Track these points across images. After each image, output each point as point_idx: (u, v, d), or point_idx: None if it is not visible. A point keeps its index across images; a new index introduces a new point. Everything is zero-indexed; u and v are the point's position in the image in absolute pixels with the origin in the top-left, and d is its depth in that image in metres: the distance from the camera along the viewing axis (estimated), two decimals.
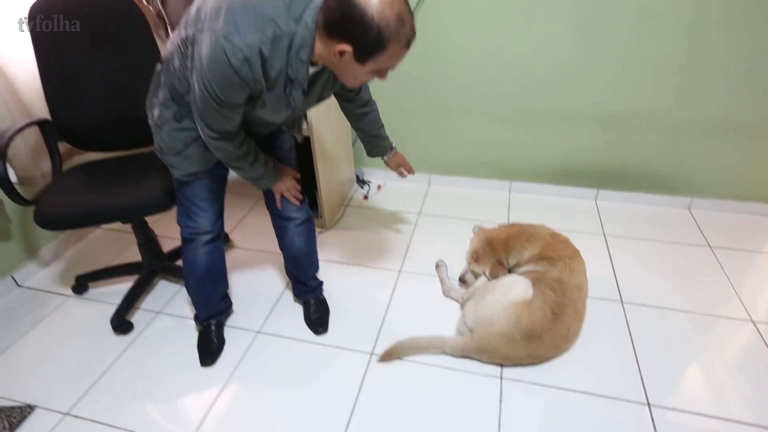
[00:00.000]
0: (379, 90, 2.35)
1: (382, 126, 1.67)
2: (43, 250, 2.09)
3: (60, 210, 1.48)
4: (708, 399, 1.40)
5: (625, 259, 1.98)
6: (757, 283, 1.83)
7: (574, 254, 1.68)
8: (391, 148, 1.76)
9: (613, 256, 2.01)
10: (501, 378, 1.49)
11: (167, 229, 2.29)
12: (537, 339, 1.46)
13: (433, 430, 1.35)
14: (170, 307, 1.83)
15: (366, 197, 2.53)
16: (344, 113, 1.59)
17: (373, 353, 1.60)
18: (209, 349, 1.61)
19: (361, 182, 2.63)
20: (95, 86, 1.68)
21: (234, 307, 1.80)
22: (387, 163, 1.81)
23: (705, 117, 2.07)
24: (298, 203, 1.51)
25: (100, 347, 1.67)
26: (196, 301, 1.62)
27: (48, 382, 1.55)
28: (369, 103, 1.55)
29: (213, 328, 1.65)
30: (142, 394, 1.49)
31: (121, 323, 1.70)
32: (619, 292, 1.81)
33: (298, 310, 1.78)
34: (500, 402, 1.42)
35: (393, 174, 2.58)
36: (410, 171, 1.86)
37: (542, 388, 1.46)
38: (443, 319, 1.71)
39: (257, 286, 1.92)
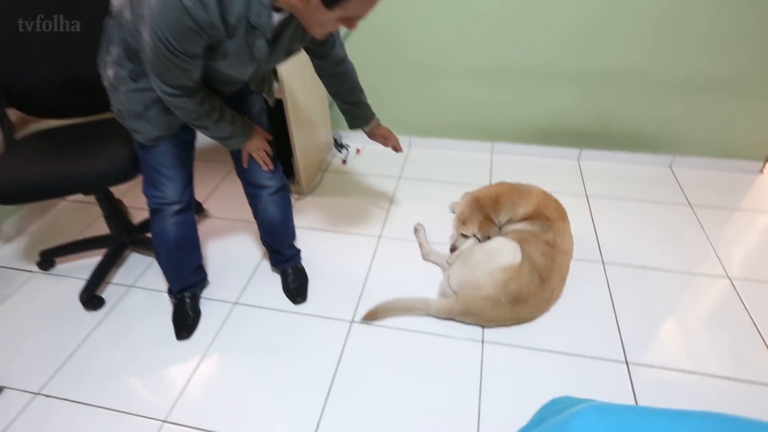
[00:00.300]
0: (352, 49, 2.23)
1: (362, 91, 1.54)
2: (4, 224, 1.98)
3: (11, 182, 1.38)
4: (684, 355, 1.42)
5: (607, 220, 1.97)
6: (734, 240, 1.85)
7: (564, 216, 1.67)
8: (373, 118, 1.62)
9: (595, 216, 1.99)
10: (482, 342, 1.49)
11: (138, 200, 2.19)
12: (523, 303, 1.45)
13: (415, 394, 1.35)
14: (143, 281, 1.77)
15: (344, 162, 2.45)
16: (319, 76, 1.47)
17: (353, 321, 1.57)
18: (185, 322, 1.56)
19: (339, 146, 2.54)
20: (41, 46, 1.54)
21: (210, 278, 1.75)
22: (369, 135, 1.65)
23: (689, 73, 2.01)
24: (266, 167, 1.43)
25: (71, 324, 1.61)
26: (168, 274, 1.56)
27: (17, 362, 1.49)
28: (344, 61, 1.44)
29: (188, 300, 1.59)
30: (116, 371, 1.45)
31: (91, 299, 1.63)
32: (601, 252, 1.80)
33: (276, 279, 1.74)
34: (481, 365, 1.42)
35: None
36: (397, 147, 1.68)
37: (523, 350, 1.46)
38: (424, 283, 1.69)
39: (233, 256, 1.86)
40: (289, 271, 1.70)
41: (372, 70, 2.30)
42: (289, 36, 1.10)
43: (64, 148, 1.55)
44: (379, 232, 1.96)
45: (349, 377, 1.40)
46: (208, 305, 1.65)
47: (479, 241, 1.68)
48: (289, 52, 1.17)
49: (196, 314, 1.60)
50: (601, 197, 2.11)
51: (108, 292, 1.73)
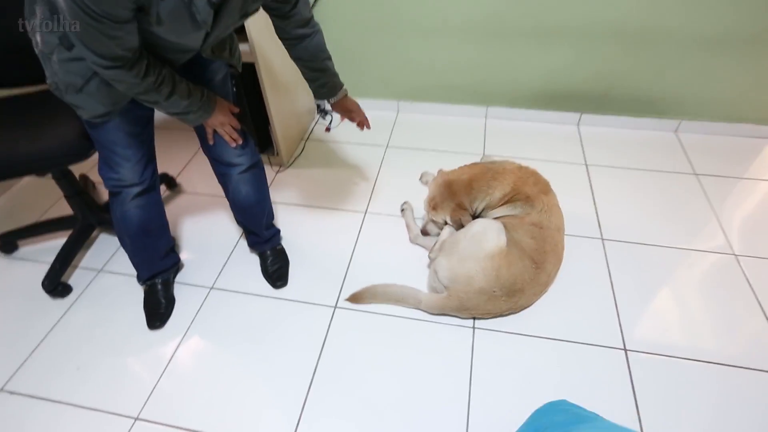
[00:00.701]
0: (334, 5, 2.02)
1: (330, 58, 1.36)
2: None
3: None
4: (686, 340, 1.35)
5: (607, 191, 1.85)
6: (740, 213, 1.74)
7: (547, 188, 1.54)
8: (341, 88, 1.45)
9: (595, 187, 1.87)
10: (473, 328, 1.41)
11: None
12: (519, 292, 1.35)
13: (402, 382, 1.28)
14: (113, 264, 1.66)
15: (328, 129, 2.26)
16: (280, 38, 1.28)
17: (336, 306, 1.48)
18: (156, 311, 1.46)
19: (323, 112, 2.35)
20: None
21: (184, 260, 1.64)
22: (334, 107, 1.50)
23: (698, 31, 1.83)
24: (234, 144, 1.28)
25: (36, 313, 1.50)
26: (134, 261, 1.45)
27: None
28: (309, 22, 1.25)
29: (159, 287, 1.49)
30: (85, 364, 1.37)
31: (56, 286, 1.52)
32: (600, 228, 1.70)
33: (255, 261, 1.63)
34: (472, 352, 1.35)
35: (359, 100, 2.33)
36: (363, 123, 1.54)
37: (516, 336, 1.38)
38: (413, 266, 1.59)
39: (209, 235, 1.74)
40: (268, 252, 1.59)
41: (356, 29, 2.10)
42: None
43: (6, 123, 1.38)
44: (365, 207, 1.84)
45: (332, 365, 1.33)
46: (182, 290, 1.55)
47: (453, 228, 1.55)
48: (245, 14, 1.00)
49: (170, 301, 1.50)
50: (601, 166, 1.98)
51: (75, 277, 1.61)
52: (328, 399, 1.26)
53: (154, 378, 1.32)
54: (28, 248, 1.74)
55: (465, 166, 1.63)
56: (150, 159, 1.30)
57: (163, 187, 1.95)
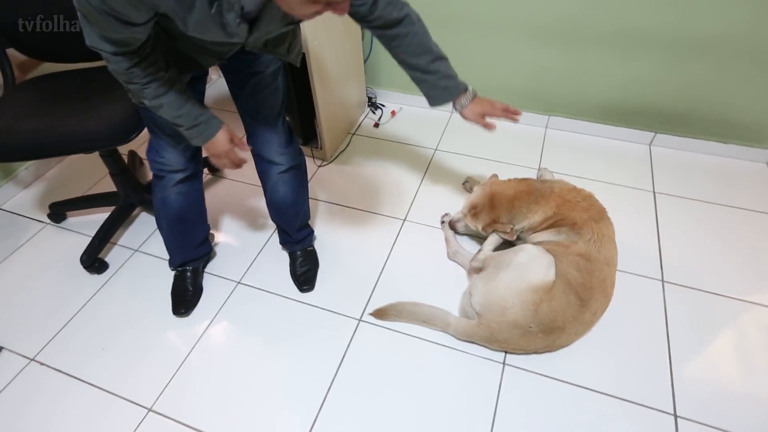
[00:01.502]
0: None
1: (440, 57, 1.17)
2: (21, 170, 1.93)
3: None
4: (749, 416, 1.17)
5: (676, 226, 1.65)
6: None
7: (601, 215, 1.38)
8: (465, 91, 1.24)
9: (661, 219, 1.67)
10: (503, 364, 1.29)
11: None
12: (558, 330, 1.22)
13: (421, 410, 1.20)
14: (149, 245, 1.67)
15: (377, 125, 2.19)
16: (376, 37, 1.16)
17: (361, 320, 1.41)
18: (183, 298, 1.46)
19: (374, 106, 2.28)
20: None
21: (216, 249, 1.63)
22: (462, 115, 1.28)
23: None
24: (234, 168, 1.18)
25: (73, 286, 1.55)
26: (168, 246, 1.45)
27: (17, 321, 1.46)
28: (402, 22, 1.10)
29: (188, 274, 1.49)
30: (110, 345, 1.39)
31: (93, 262, 1.55)
32: (662, 267, 1.51)
33: (285, 260, 1.59)
34: (499, 390, 1.24)
35: (413, 97, 2.23)
36: (508, 114, 1.29)
37: (550, 380, 1.26)
38: (447, 284, 1.49)
39: (243, 227, 1.72)
40: (298, 253, 1.54)
41: None
42: (275, 10, 0.84)
43: (59, 99, 1.40)
44: (405, 214, 1.74)
45: (350, 380, 1.27)
46: (210, 281, 1.54)
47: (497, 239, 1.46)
48: (290, 22, 0.92)
49: (197, 290, 1.49)
50: (672, 195, 1.76)
51: (113, 254, 1.65)
52: (342, 415, 1.20)
53: (172, 370, 1.32)
54: (75, 219, 1.79)
55: (515, 180, 1.50)
56: (196, 147, 1.26)
57: (205, 171, 1.95)
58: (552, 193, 1.40)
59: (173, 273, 1.52)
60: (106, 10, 0.73)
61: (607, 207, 1.41)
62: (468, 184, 1.81)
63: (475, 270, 1.43)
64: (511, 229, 1.42)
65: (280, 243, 1.59)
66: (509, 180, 1.51)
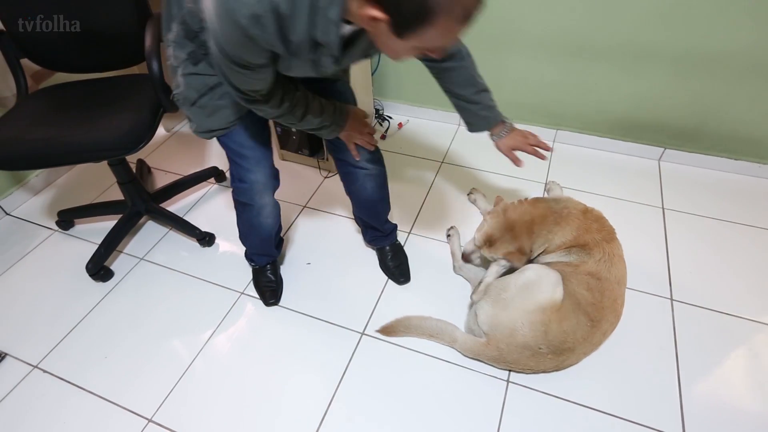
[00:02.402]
0: None
1: (484, 89, 1.22)
2: (32, 177, 1.95)
3: (8, 147, 1.27)
4: None
5: (685, 243, 1.62)
6: None
7: (611, 236, 1.35)
8: (502, 123, 1.29)
9: (671, 236, 1.65)
10: (508, 382, 1.27)
11: (163, 161, 2.09)
12: (568, 351, 1.20)
13: (422, 426, 1.18)
14: (154, 254, 1.68)
15: (384, 136, 2.20)
16: (426, 67, 1.19)
17: (363, 333, 1.40)
18: (269, 288, 1.50)
19: (381, 117, 2.28)
20: None
21: (221, 254, 1.66)
22: (497, 146, 1.34)
23: None
24: (371, 148, 1.22)
25: (77, 294, 1.55)
26: (255, 252, 1.48)
27: (22, 327, 1.47)
28: (456, 56, 1.13)
29: (268, 267, 1.52)
30: (112, 353, 1.39)
31: (99, 270, 1.56)
32: (670, 285, 1.49)
33: (292, 272, 1.58)
34: (502, 408, 1.22)
35: (421, 109, 2.23)
36: (533, 152, 1.32)
37: (555, 399, 1.23)
38: (453, 298, 1.47)
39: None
40: (387, 248, 1.56)
41: None
42: (363, 45, 0.89)
43: (70, 109, 1.42)
44: (409, 227, 1.73)
45: (351, 395, 1.26)
46: (213, 290, 1.54)
47: (499, 268, 1.40)
48: (366, 55, 0.95)
49: (279, 279, 1.53)
50: (681, 212, 1.74)
51: (119, 262, 1.65)
52: (343, 429, 1.19)
53: (174, 379, 1.31)
54: (82, 227, 1.80)
55: (526, 201, 1.44)
56: (271, 155, 1.26)
57: (211, 180, 1.96)
58: (570, 216, 1.35)
59: (251, 267, 1.55)
60: (243, 64, 0.81)
61: (614, 223, 1.39)
62: (472, 196, 1.80)
63: (481, 295, 1.38)
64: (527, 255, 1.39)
65: (367, 241, 1.62)
66: (521, 202, 1.42)
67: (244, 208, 1.29)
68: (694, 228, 1.68)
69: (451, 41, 0.73)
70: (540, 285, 1.23)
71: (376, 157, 1.32)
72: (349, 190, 1.42)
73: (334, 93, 1.20)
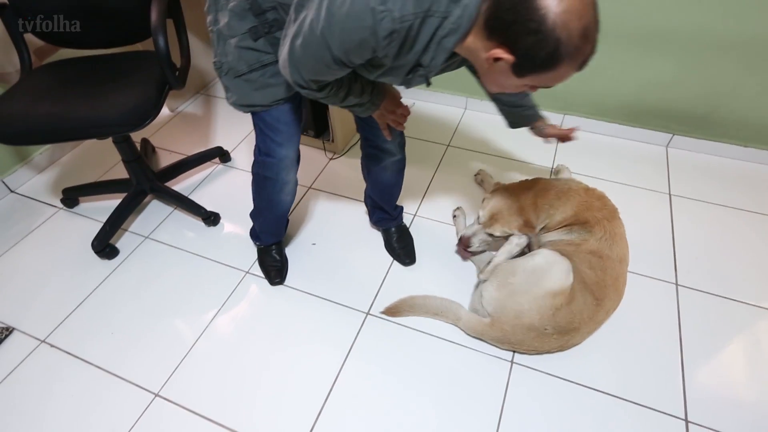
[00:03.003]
0: None
1: (526, 95, 1.28)
2: (36, 154, 1.94)
3: (12, 122, 1.27)
4: (763, 425, 1.15)
5: (691, 229, 1.62)
6: None
7: (613, 215, 1.36)
8: (540, 118, 1.35)
9: (677, 222, 1.64)
10: (511, 362, 1.28)
11: (166, 141, 2.08)
12: (573, 331, 1.21)
13: (425, 405, 1.19)
14: (159, 233, 1.68)
15: None
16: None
17: (368, 313, 1.41)
18: (274, 267, 1.51)
19: None
20: None
21: (226, 234, 1.66)
22: (537, 134, 1.40)
23: None
24: (401, 128, 1.22)
25: (83, 270, 1.56)
26: (264, 230, 1.48)
27: (29, 303, 1.47)
28: None
29: (273, 246, 1.53)
30: (119, 329, 1.40)
31: (104, 247, 1.56)
32: (676, 271, 1.49)
33: (298, 254, 1.59)
34: (506, 389, 1.23)
35: (426, 93, 2.21)
36: (565, 136, 1.36)
37: (558, 380, 1.24)
38: (458, 278, 1.48)
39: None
40: (393, 230, 1.57)
41: None
42: (450, 69, 0.94)
43: (75, 85, 1.41)
44: (415, 209, 1.73)
45: (355, 374, 1.27)
46: (218, 270, 1.54)
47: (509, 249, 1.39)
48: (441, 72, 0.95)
49: (284, 259, 1.54)
50: (688, 198, 1.73)
51: (124, 240, 1.66)
52: (347, 408, 1.20)
53: (179, 357, 1.32)
54: (87, 205, 1.80)
55: (525, 181, 1.47)
56: (297, 146, 1.26)
57: (216, 160, 1.95)
58: (570, 192, 1.37)
59: (256, 247, 1.56)
60: (341, 61, 0.79)
61: (621, 208, 1.38)
62: (479, 177, 1.79)
63: (486, 277, 1.38)
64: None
65: (374, 222, 1.63)
66: (519, 182, 1.46)
67: (266, 182, 1.28)
68: (700, 214, 1.67)
69: (559, 83, 0.76)
70: (550, 272, 1.23)
71: (401, 143, 1.34)
72: (368, 171, 1.42)
73: None
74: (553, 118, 2.07)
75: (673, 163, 1.88)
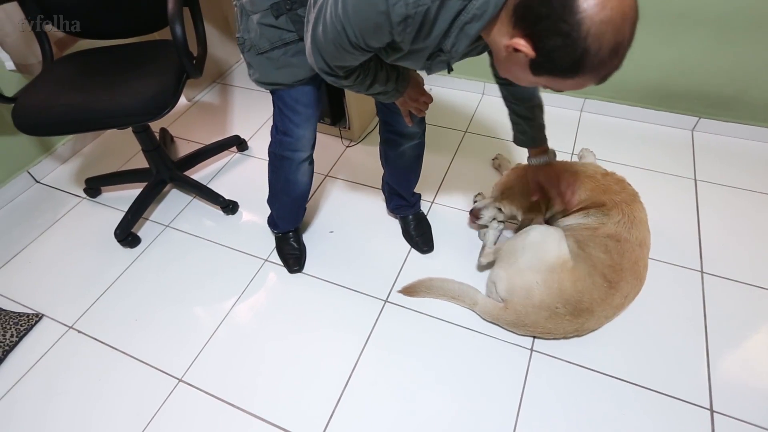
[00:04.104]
0: None
1: (539, 106, 1.20)
2: (59, 145, 1.98)
3: (35, 113, 1.29)
4: None
5: (718, 215, 1.57)
6: None
7: (633, 198, 1.33)
8: (544, 150, 1.29)
9: (702, 208, 1.60)
10: (531, 350, 1.27)
11: (185, 131, 2.10)
12: (587, 312, 1.19)
13: (444, 393, 1.20)
14: (179, 221, 1.70)
15: None
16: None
17: (387, 301, 1.41)
18: (293, 255, 1.52)
19: None
20: None
21: (242, 223, 1.67)
22: (527, 171, 1.35)
23: None
24: (421, 114, 1.21)
25: (107, 259, 1.59)
26: (280, 215, 1.49)
27: (57, 290, 1.52)
28: None
29: (291, 234, 1.54)
30: (143, 316, 1.43)
31: (126, 236, 1.59)
32: (701, 258, 1.45)
33: (315, 240, 1.59)
34: (526, 377, 1.22)
35: (444, 78, 2.18)
36: (564, 198, 1.33)
37: (579, 368, 1.23)
38: (476, 266, 1.47)
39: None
40: (410, 217, 1.57)
41: None
42: (473, 54, 0.89)
43: (95, 75, 1.42)
44: (432, 197, 1.72)
45: (375, 361, 1.28)
46: (237, 258, 1.56)
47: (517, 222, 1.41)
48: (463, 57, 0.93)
49: (302, 247, 1.55)
50: (714, 184, 1.68)
51: (145, 229, 1.68)
52: (366, 395, 1.21)
53: (201, 343, 1.35)
54: (109, 194, 1.84)
55: None
56: (314, 131, 1.26)
57: (234, 148, 1.96)
58: (586, 176, 1.36)
59: (275, 235, 1.57)
60: (359, 45, 0.78)
61: (644, 194, 1.35)
62: (497, 161, 1.77)
63: (486, 266, 1.41)
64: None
65: (391, 210, 1.62)
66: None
67: (282, 162, 1.28)
68: (727, 200, 1.62)
69: (570, 90, 0.72)
70: (545, 244, 1.24)
71: (422, 128, 1.31)
72: (387, 156, 1.40)
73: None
74: (572, 102, 2.02)
75: (699, 148, 1.83)
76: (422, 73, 0.99)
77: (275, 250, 1.56)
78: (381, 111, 1.29)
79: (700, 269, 1.42)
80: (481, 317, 1.33)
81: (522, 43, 0.65)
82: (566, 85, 0.70)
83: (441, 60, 0.82)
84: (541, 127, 1.25)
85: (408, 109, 1.14)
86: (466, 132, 1.99)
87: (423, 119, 1.31)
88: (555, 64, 0.65)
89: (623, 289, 1.22)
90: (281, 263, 1.53)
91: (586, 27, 0.59)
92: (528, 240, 1.29)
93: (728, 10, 1.56)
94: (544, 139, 1.28)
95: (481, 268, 1.45)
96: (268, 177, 1.37)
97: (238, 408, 1.21)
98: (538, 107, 1.21)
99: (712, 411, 1.13)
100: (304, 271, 1.51)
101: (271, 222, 1.53)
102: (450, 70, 0.86)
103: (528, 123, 1.23)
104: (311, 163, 1.32)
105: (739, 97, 1.76)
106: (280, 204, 1.44)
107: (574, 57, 0.63)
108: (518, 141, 1.30)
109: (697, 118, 1.87)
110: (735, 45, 1.63)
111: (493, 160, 1.80)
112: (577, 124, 1.98)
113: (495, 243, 1.48)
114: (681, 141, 1.87)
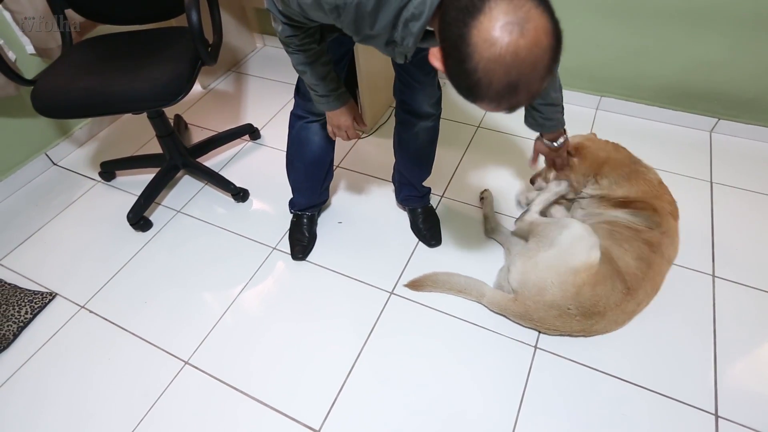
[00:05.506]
0: None
1: (551, 103, 1.18)
2: (76, 129, 2.01)
3: (53, 96, 1.31)
4: None
5: (732, 219, 1.54)
6: None
7: (677, 214, 1.33)
8: (561, 132, 1.28)
9: (717, 211, 1.57)
10: (535, 347, 1.27)
11: (199, 118, 2.11)
12: (598, 316, 1.18)
13: (446, 387, 1.20)
14: (191, 207, 1.73)
15: None
16: None
17: (392, 293, 1.42)
18: (300, 243, 1.52)
19: None
20: None
21: (253, 211, 1.68)
22: (536, 143, 1.34)
23: None
24: (347, 140, 1.23)
25: (120, 241, 1.62)
26: (296, 186, 1.49)
27: (70, 270, 1.55)
28: None
29: (305, 220, 1.55)
30: (152, 298, 1.45)
31: (138, 220, 1.62)
32: (713, 261, 1.43)
33: (325, 231, 1.60)
34: (528, 374, 1.22)
35: None
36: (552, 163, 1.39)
37: (583, 368, 1.22)
38: (483, 262, 1.46)
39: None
40: (419, 210, 1.56)
41: None
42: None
43: (112, 60, 1.44)
44: (442, 190, 1.71)
45: (378, 353, 1.28)
46: (245, 245, 1.58)
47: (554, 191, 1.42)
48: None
49: (312, 237, 1.55)
50: (731, 187, 1.65)
51: (157, 214, 1.71)
52: (368, 386, 1.22)
53: (207, 328, 1.37)
54: (123, 179, 1.87)
55: (612, 144, 1.43)
56: None
57: (246, 137, 1.98)
58: (646, 179, 1.34)
59: (292, 217, 1.57)
60: (304, 15, 0.82)
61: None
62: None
63: (517, 233, 1.39)
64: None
65: (400, 201, 1.62)
66: (606, 142, 1.43)
67: (296, 121, 1.31)
68: (743, 204, 1.59)
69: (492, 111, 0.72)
70: (576, 247, 1.21)
71: (438, 111, 1.30)
72: (400, 139, 1.38)
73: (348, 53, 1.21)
74: (587, 99, 1.99)
75: (716, 150, 1.79)
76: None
77: (284, 238, 1.58)
78: (398, 89, 1.27)
79: (711, 273, 1.40)
80: (488, 308, 1.33)
81: (437, 54, 0.66)
82: (477, 105, 0.68)
83: (399, 51, 0.80)
84: (552, 119, 1.22)
85: (332, 130, 1.19)
86: (478, 127, 1.97)
87: (439, 102, 1.29)
88: (455, 84, 0.65)
89: (638, 297, 1.21)
90: (289, 252, 1.54)
91: (475, 61, 0.59)
92: (562, 235, 1.25)
93: (755, 9, 1.52)
94: (555, 126, 1.25)
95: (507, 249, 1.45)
96: (287, 142, 1.38)
97: (242, 392, 1.22)
98: (550, 105, 1.18)
99: (716, 416, 1.12)
100: (311, 260, 1.52)
101: (291, 201, 1.54)
102: (407, 61, 0.84)
103: (537, 115, 1.22)
104: (324, 126, 1.30)
105: (761, 98, 1.72)
106: (296, 172, 1.43)
107: (468, 84, 0.62)
108: (528, 123, 1.28)
109: (717, 119, 1.83)
110: (759, 44, 1.59)
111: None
112: (592, 121, 1.96)
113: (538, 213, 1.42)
114: (699, 142, 1.83)
